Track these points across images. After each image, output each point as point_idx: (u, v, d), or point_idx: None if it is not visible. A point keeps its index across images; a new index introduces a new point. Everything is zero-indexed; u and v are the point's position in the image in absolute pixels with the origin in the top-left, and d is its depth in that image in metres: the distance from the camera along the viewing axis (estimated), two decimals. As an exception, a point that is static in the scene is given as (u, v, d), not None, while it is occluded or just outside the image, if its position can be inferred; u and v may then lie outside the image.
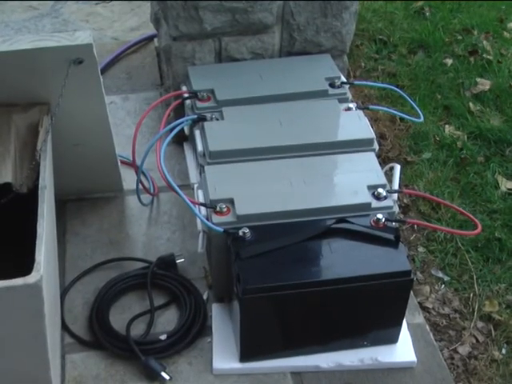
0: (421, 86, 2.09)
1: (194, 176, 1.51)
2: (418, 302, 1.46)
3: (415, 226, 1.67)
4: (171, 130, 1.41)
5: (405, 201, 1.72)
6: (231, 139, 1.38)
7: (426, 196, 1.66)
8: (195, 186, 1.37)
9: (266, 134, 1.39)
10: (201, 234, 1.28)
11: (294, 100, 1.50)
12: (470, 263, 1.58)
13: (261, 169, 1.34)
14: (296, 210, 1.25)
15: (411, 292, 1.40)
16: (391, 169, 1.40)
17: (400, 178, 1.36)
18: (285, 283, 1.14)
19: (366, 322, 1.25)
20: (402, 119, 1.96)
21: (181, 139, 1.66)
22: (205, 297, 1.38)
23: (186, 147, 1.65)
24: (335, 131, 1.42)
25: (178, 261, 1.43)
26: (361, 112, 1.46)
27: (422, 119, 1.53)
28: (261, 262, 1.17)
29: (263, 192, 1.28)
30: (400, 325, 1.27)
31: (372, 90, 2.05)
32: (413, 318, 1.38)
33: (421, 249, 1.62)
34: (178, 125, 1.43)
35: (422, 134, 1.92)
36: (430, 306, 1.48)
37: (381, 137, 1.88)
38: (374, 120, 1.92)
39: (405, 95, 1.61)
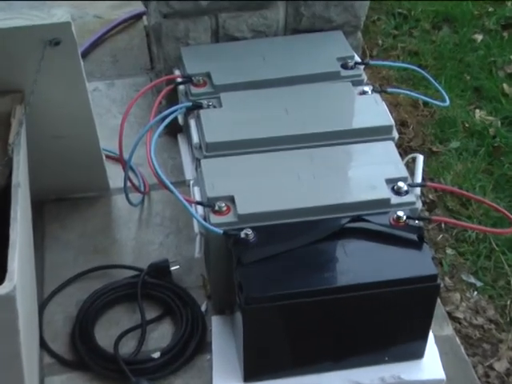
0: (447, 65, 2.09)
1: (189, 171, 1.51)
2: (447, 312, 1.46)
3: (442, 225, 1.67)
4: (163, 119, 1.41)
5: (430, 196, 1.72)
6: (231, 129, 1.38)
7: (455, 190, 1.66)
8: (191, 182, 1.37)
9: (270, 123, 1.39)
10: (198, 237, 1.28)
11: (302, 84, 1.49)
12: (506, 266, 1.58)
13: (264, 162, 1.33)
14: (305, 207, 1.25)
15: (438, 300, 1.40)
16: (413, 160, 1.40)
17: (424, 170, 1.36)
18: (294, 291, 1.14)
19: (387, 334, 1.25)
20: (425, 104, 1.96)
21: (174, 130, 1.66)
22: (203, 308, 1.38)
23: (180, 139, 1.65)
24: (349, 118, 1.42)
25: (172, 268, 1.43)
26: (378, 96, 1.46)
27: (448, 103, 1.52)
28: (266, 268, 1.16)
29: (268, 188, 1.28)
30: (426, 337, 1.27)
31: (391, 70, 2.06)
32: (441, 329, 1.37)
33: (449, 251, 1.62)
34: (171, 113, 1.43)
35: (448, 121, 1.93)
36: (461, 316, 1.48)
37: (401, 124, 1.88)
38: (394, 105, 1.93)
39: (428, 76, 1.61)
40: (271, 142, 1.36)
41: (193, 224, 1.29)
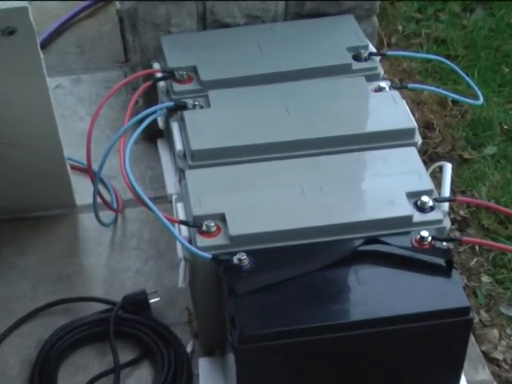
0: (481, 55, 2.10)
1: (171, 184, 1.53)
2: (483, 352, 1.47)
3: (476, 247, 1.68)
4: (140, 122, 1.42)
5: (461, 213, 1.73)
6: (221, 134, 1.40)
7: (491, 206, 1.66)
8: (173, 197, 1.38)
9: (269, 126, 1.41)
10: (182, 264, 1.29)
11: (306, 79, 1.51)
12: (552, 297, 1.59)
13: (262, 173, 1.35)
14: (310, 227, 1.26)
15: (472, 338, 1.40)
16: (440, 169, 1.41)
17: (453, 181, 1.37)
18: (297, 327, 1.15)
19: (409, 379, 1.25)
20: (455, 102, 1.97)
21: (153, 135, 1.68)
22: (189, 349, 1.40)
23: (161, 146, 1.67)
24: (362, 120, 1.44)
25: (151, 300, 1.45)
26: (397, 93, 1.48)
27: (482, 101, 1.54)
28: (264, 300, 1.17)
29: (265, 204, 1.29)
30: (457, 383, 1.28)
31: (413, 62, 2.07)
32: (475, 373, 1.39)
33: (485, 278, 1.63)
34: (149, 115, 1.44)
35: (483, 122, 1.94)
36: (500, 357, 1.49)
37: (426, 126, 1.89)
38: (417, 104, 1.94)
39: (458, 69, 1.63)
40: (270, 148, 1.38)
41: (176, 247, 1.30)
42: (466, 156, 1.86)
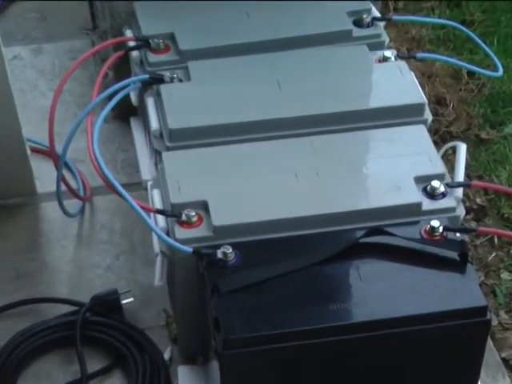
0: (500, 20, 2.11)
1: (146, 169, 1.53)
2: (503, 359, 1.48)
3: (495, 239, 1.69)
4: (110, 98, 1.43)
5: (477, 200, 1.73)
6: (202, 110, 1.40)
7: (512, 192, 1.68)
8: (149, 183, 1.38)
9: (257, 102, 1.41)
10: (159, 259, 1.30)
11: (299, 48, 1.52)
12: None
13: (250, 155, 1.35)
14: (305, 216, 1.26)
15: (490, 342, 1.41)
16: (453, 151, 1.42)
17: (468, 164, 1.38)
18: (290, 330, 1.15)
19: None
20: (470, 74, 1.97)
21: (126, 113, 1.68)
22: (167, 356, 1.40)
23: (134, 125, 1.67)
24: (364, 94, 1.44)
25: (124, 301, 1.45)
26: (404, 64, 1.48)
27: (501, 73, 1.54)
28: (252, 299, 1.17)
29: (254, 191, 1.29)
30: (473, 393, 1.29)
31: (423, 28, 2.07)
32: (494, 382, 1.40)
33: (505, 275, 1.63)
34: (121, 90, 1.44)
35: (503, 97, 1.94)
36: (523, 365, 1.50)
37: (437, 102, 1.90)
38: (427, 76, 1.94)
39: (475, 37, 1.63)
40: (258, 127, 1.38)
41: (152, 240, 1.30)
42: (484, 136, 1.87)
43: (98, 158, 1.30)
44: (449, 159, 1.46)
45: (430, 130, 1.40)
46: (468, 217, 1.69)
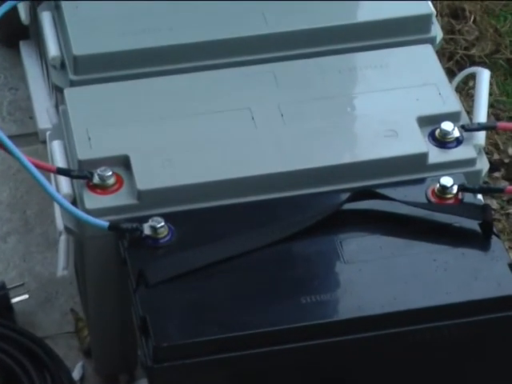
0: None
1: (43, 113, 1.55)
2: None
3: (530, 206, 1.73)
4: (-12, 13, 1.44)
5: (510, 151, 1.75)
6: (119, 28, 1.41)
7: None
8: (47, 134, 1.40)
9: (196, 14, 1.43)
10: (63, 239, 1.32)
11: None
12: None
13: (187, 91, 1.37)
14: (265, 175, 1.28)
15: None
16: (473, 80, 1.43)
17: (494, 100, 1.38)
18: (246, 333, 1.16)
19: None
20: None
21: (13, 35, 1.70)
22: (76, 374, 1.42)
23: (25, 52, 1.69)
24: (349, 4, 1.46)
25: (15, 299, 1.47)
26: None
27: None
28: (192, 292, 1.19)
29: (194, 140, 1.31)
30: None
31: None
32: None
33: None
34: (4, 1, 1.45)
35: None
36: None
37: (453, 14, 1.92)
38: (438, -22, 1.96)
39: None
40: (198, 51, 1.40)
41: (53, 214, 1.32)
42: (517, 61, 1.91)
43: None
44: (468, 93, 1.48)
45: (441, 54, 1.42)
46: (496, 174, 1.71)
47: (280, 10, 1.44)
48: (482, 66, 1.50)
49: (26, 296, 1.48)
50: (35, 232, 1.56)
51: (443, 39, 1.48)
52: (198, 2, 1.44)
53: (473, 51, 1.88)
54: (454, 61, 1.85)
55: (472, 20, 1.92)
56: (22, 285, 1.48)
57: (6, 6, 1.44)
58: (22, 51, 1.69)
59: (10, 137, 1.28)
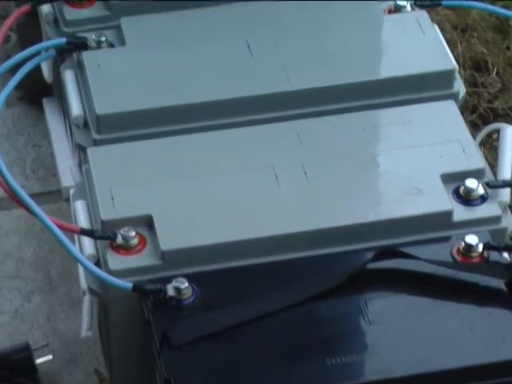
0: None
1: (67, 172, 1.54)
2: None
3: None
4: (13, 71, 1.44)
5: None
6: (143, 88, 1.41)
7: None
8: (71, 193, 1.39)
9: (220, 74, 1.43)
10: (86, 299, 1.31)
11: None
12: None
13: (210, 149, 1.37)
14: (288, 234, 1.27)
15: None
16: (497, 135, 1.42)
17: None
18: None
19: None
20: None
21: (36, 92, 1.69)
22: None
23: (49, 110, 1.68)
24: (369, 60, 1.46)
25: (39, 360, 1.45)
26: (424, 14, 1.49)
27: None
28: (216, 354, 1.18)
29: (216, 200, 1.30)
30: None
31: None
32: None
33: None
34: (28, 60, 1.45)
35: None
36: None
37: (476, 67, 1.90)
38: (461, 30, 1.94)
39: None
40: (222, 109, 1.40)
41: (77, 274, 1.31)
42: (541, 114, 1.89)
43: (-2, 159, 1.31)
44: (492, 146, 1.47)
45: (464, 108, 1.40)
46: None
47: (302, 66, 1.43)
48: (506, 119, 1.50)
49: (50, 357, 1.46)
50: (59, 291, 1.56)
51: (466, 92, 1.47)
52: (218, 60, 1.44)
53: (496, 104, 1.88)
54: (478, 114, 1.84)
55: (495, 72, 1.91)
56: (46, 346, 1.47)
57: (30, 65, 1.44)
58: (45, 108, 1.69)
59: (34, 195, 1.29)
